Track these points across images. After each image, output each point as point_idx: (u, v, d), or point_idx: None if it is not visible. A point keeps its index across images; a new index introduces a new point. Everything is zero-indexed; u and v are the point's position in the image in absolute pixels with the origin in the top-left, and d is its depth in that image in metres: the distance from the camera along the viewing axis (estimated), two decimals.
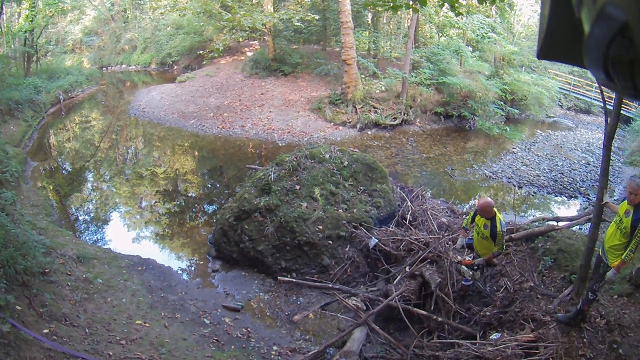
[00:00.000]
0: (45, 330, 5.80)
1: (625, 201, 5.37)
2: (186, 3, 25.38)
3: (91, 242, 10.87)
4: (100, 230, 12.11)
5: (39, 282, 6.50)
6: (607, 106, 6.47)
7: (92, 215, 13.15)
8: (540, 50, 0.90)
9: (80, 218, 12.95)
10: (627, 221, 5.27)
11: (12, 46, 27.07)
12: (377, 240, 9.02)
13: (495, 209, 6.79)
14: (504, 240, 6.82)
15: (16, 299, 5.58)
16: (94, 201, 14.28)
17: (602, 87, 6.31)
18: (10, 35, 26.55)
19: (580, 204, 14.35)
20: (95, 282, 7.78)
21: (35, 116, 21.15)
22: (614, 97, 6.09)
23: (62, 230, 10.49)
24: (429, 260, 8.22)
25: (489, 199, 6.93)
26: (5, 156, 11.15)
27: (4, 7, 24.52)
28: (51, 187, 14.88)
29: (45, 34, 34.76)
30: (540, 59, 0.93)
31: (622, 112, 8.72)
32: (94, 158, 18.09)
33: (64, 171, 17.04)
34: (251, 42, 34.71)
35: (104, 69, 41.78)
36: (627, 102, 25.02)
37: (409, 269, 8.16)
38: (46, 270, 6.95)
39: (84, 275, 7.87)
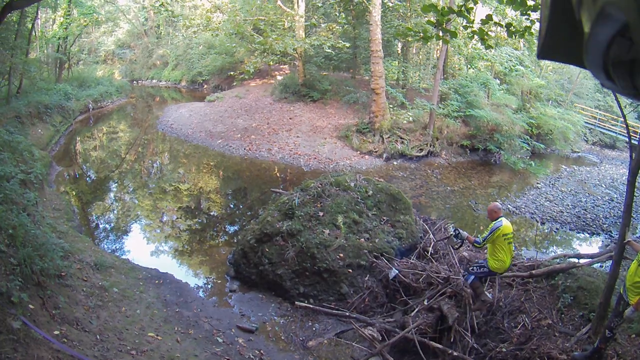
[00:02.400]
0: (56, 332, 5.81)
1: None
2: (219, 23, 25.68)
3: (110, 250, 10.94)
4: (119, 240, 12.19)
5: (54, 284, 6.51)
6: (633, 141, 6.42)
7: (112, 224, 13.26)
8: (540, 50, 0.90)
9: (101, 226, 13.06)
10: None
11: (46, 51, 27.74)
12: (397, 272, 8.93)
13: (500, 216, 7.11)
14: (487, 236, 7.04)
15: (30, 298, 5.57)
16: (115, 211, 14.39)
17: (626, 121, 6.36)
18: (44, 41, 27.20)
19: (603, 241, 14.11)
20: (111, 291, 7.81)
21: (63, 122, 21.56)
22: (639, 131, 6.09)
23: (81, 236, 10.57)
24: (448, 294, 8.17)
25: (497, 202, 7.19)
26: (31, 158, 11.31)
27: (39, 12, 25.23)
28: (74, 193, 15.06)
29: (78, 42, 35.59)
30: (540, 58, 0.94)
31: None
32: (118, 169, 18.30)
33: (88, 178, 17.25)
34: (281, 66, 34.97)
35: (134, 82, 42.55)
36: None
37: (427, 302, 8.10)
38: (62, 274, 6.98)
39: (100, 283, 7.91)
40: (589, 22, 0.70)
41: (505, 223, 6.99)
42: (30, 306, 5.65)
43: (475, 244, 7.48)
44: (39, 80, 22.48)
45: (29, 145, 12.49)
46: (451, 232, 8.32)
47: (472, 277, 7.45)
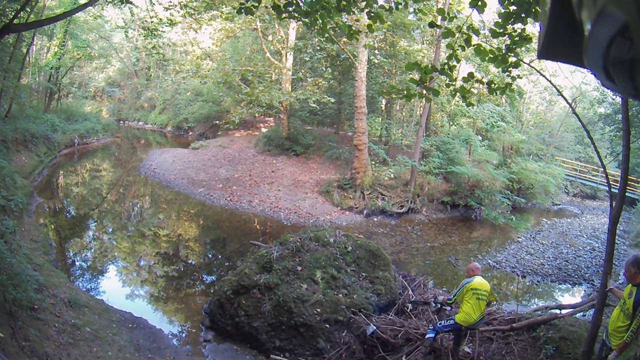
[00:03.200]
0: None
1: (630, 284, 5.42)
2: (208, 71, 26.01)
3: (85, 289, 10.80)
4: (95, 279, 12.06)
5: (26, 315, 6.46)
6: (613, 189, 6.49)
7: (89, 262, 13.12)
8: (540, 50, 0.90)
9: (77, 263, 12.92)
10: (629, 302, 5.31)
11: (37, 79, 27.89)
12: (375, 328, 8.87)
13: (476, 274, 7.37)
14: (456, 292, 7.36)
15: (0, 326, 5.54)
16: (93, 249, 14.26)
17: (606, 171, 6.47)
18: (37, 68, 27.36)
19: (585, 291, 14.24)
20: (83, 330, 7.70)
21: (48, 153, 21.57)
22: (619, 180, 6.17)
23: (57, 271, 10.45)
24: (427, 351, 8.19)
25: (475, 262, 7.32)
26: (13, 185, 11.29)
27: (35, 38, 25.42)
28: (53, 227, 14.92)
29: (70, 74, 35.94)
30: (540, 59, 0.95)
31: (627, 194, 8.75)
32: (99, 207, 18.22)
33: (67, 213, 17.13)
34: (267, 119, 35.31)
35: (121, 122, 42.86)
36: (632, 183, 25.24)
37: (406, 358, 8.07)
38: (35, 307, 6.92)
39: (73, 321, 7.81)
40: (589, 22, 0.71)
41: (477, 280, 7.19)
42: (0, 334, 5.60)
43: (448, 302, 7.66)
44: (28, 107, 22.68)
45: (12, 171, 12.54)
46: (430, 299, 8.53)
47: (432, 334, 7.57)
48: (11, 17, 13.37)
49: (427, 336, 7.67)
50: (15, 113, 20.82)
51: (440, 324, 7.57)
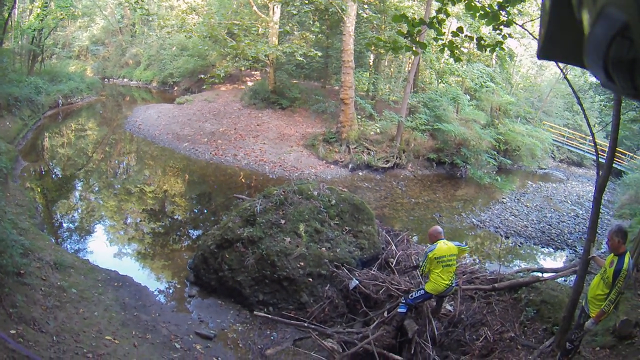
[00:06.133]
0: (12, 331, 5.78)
1: (612, 254, 5.48)
2: (193, 25, 25.51)
3: (71, 250, 10.81)
4: (81, 240, 12.05)
5: (12, 282, 6.49)
6: (600, 159, 6.51)
7: (75, 224, 13.11)
8: (540, 50, 0.90)
9: (64, 225, 12.92)
10: (610, 271, 5.37)
11: (20, 42, 27.23)
12: (357, 282, 8.93)
13: (439, 239, 7.22)
14: (422, 261, 7.29)
15: None
16: (79, 210, 14.25)
17: (594, 140, 6.43)
18: (19, 31, 26.69)
19: (567, 256, 14.34)
20: (70, 291, 7.74)
21: (32, 116, 21.34)
22: (606, 149, 6.14)
23: (43, 235, 10.47)
24: None
25: (437, 226, 7.44)
26: None
27: (17, 1, 24.78)
28: (39, 190, 14.90)
29: (53, 35, 35.41)
30: (540, 59, 0.94)
31: (614, 165, 8.79)
32: (85, 167, 18.14)
33: (53, 176, 17.09)
34: (253, 72, 35.00)
35: (106, 80, 42.21)
36: (619, 155, 25.41)
37: (387, 314, 8.13)
38: (21, 272, 6.94)
39: (59, 283, 7.84)
40: (589, 22, 0.71)
41: (440, 246, 7.08)
42: None
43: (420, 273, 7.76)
44: (10, 71, 22.18)
45: None
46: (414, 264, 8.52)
47: (404, 309, 7.58)
48: None
49: (398, 310, 7.68)
50: None
51: (411, 296, 7.54)
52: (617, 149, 6.58)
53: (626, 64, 0.65)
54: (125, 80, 43.18)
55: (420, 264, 7.32)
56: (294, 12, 24.95)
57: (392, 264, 9.90)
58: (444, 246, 7.10)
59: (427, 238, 8.01)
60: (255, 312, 8.64)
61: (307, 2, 22.70)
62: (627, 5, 0.61)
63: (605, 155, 6.14)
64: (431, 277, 7.11)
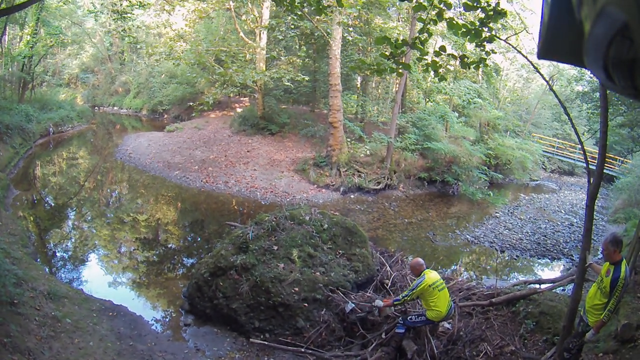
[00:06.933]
0: None
1: (607, 262, 5.51)
2: (182, 52, 25.66)
3: (65, 280, 10.76)
4: (75, 269, 11.99)
5: (5, 311, 6.48)
6: (590, 166, 6.56)
7: (69, 253, 13.05)
8: (540, 50, 0.91)
9: (57, 254, 12.86)
10: (607, 280, 5.40)
11: (10, 69, 27.29)
12: (353, 305, 8.90)
13: (422, 270, 7.31)
14: (407, 293, 7.33)
15: None
16: (72, 239, 14.16)
17: (583, 148, 6.48)
18: (9, 58, 26.77)
19: (564, 266, 14.41)
20: (64, 321, 7.71)
21: (23, 144, 21.34)
22: (597, 157, 6.17)
23: (36, 264, 10.42)
24: None
25: (418, 258, 7.49)
26: None
27: (7, 28, 24.83)
28: (31, 219, 14.83)
29: (43, 63, 35.47)
30: (540, 59, 0.95)
31: (605, 171, 8.82)
32: (77, 196, 18.10)
33: (46, 204, 17.02)
34: (241, 99, 35.23)
35: (96, 108, 42.45)
36: (610, 160, 25.58)
37: (385, 335, 8.14)
38: (15, 301, 6.92)
39: (53, 313, 7.81)
40: (589, 22, 0.71)
41: (428, 275, 7.18)
42: None
43: (395, 303, 7.71)
44: (1, 99, 22.14)
45: None
46: (372, 307, 8.62)
47: (402, 330, 7.62)
48: None
49: (396, 331, 7.72)
50: None
51: (410, 319, 7.58)
52: (607, 154, 6.64)
53: (626, 64, 0.67)
54: (115, 108, 43.36)
55: (406, 294, 7.34)
56: (280, 37, 25.17)
57: (387, 285, 9.93)
58: (431, 274, 7.23)
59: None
60: (251, 339, 8.60)
61: (293, 26, 22.94)
62: (627, 5, 0.62)
63: (596, 162, 6.19)
64: (432, 306, 7.15)
